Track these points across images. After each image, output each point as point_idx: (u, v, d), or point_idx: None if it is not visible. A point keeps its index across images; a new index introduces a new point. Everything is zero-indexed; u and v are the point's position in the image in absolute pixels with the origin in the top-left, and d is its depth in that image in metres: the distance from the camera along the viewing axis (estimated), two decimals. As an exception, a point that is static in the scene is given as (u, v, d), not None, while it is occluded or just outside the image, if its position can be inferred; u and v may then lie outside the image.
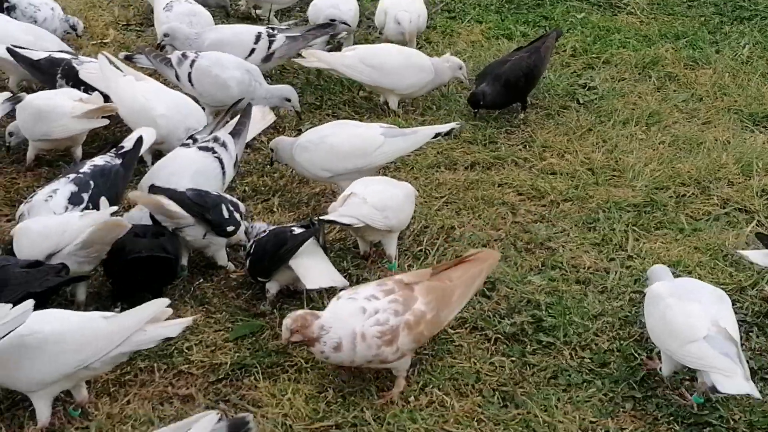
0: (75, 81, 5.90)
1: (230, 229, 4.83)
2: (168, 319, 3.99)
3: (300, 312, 4.08)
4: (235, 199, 4.99)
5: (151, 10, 7.39)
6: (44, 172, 5.66)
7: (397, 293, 4.12)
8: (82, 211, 4.68)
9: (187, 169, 5.07)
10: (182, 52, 6.13)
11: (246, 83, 5.99)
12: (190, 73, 6.00)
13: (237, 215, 4.88)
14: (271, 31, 6.55)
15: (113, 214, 4.52)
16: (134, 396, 4.15)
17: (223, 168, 5.15)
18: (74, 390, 3.99)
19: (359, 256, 5.05)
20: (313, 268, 4.58)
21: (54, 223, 4.53)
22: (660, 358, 4.22)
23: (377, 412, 4.07)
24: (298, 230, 4.68)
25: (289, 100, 6.11)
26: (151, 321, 3.93)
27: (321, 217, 4.78)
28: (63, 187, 4.79)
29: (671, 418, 4.08)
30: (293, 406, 4.09)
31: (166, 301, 3.99)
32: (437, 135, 5.43)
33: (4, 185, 5.52)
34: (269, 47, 6.47)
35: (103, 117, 5.48)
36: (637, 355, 4.40)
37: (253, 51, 6.41)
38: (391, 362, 4.12)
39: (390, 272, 4.85)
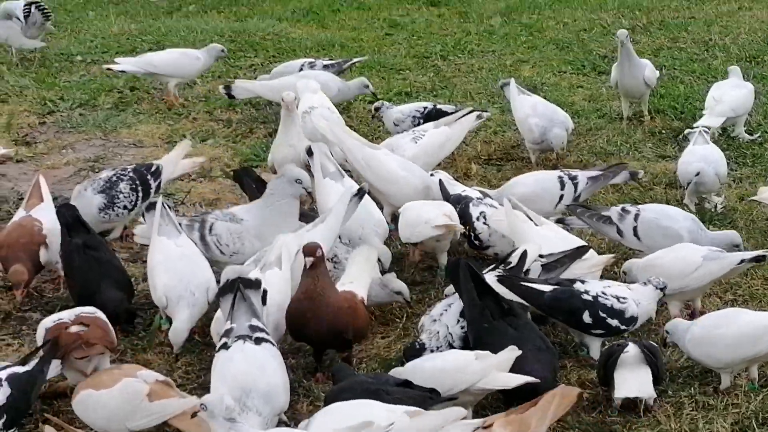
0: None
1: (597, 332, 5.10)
2: None
3: None
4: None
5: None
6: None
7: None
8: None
9: None
10: (621, 207, 6.10)
11: (695, 231, 5.92)
12: (635, 227, 5.96)
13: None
14: (570, 172, 6.43)
15: None
16: None
17: None
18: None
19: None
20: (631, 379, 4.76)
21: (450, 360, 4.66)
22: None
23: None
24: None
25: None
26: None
27: None
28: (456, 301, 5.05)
29: None
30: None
31: None
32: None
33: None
34: (575, 190, 6.36)
35: None
36: None
37: (561, 198, 6.33)
38: None
39: None
